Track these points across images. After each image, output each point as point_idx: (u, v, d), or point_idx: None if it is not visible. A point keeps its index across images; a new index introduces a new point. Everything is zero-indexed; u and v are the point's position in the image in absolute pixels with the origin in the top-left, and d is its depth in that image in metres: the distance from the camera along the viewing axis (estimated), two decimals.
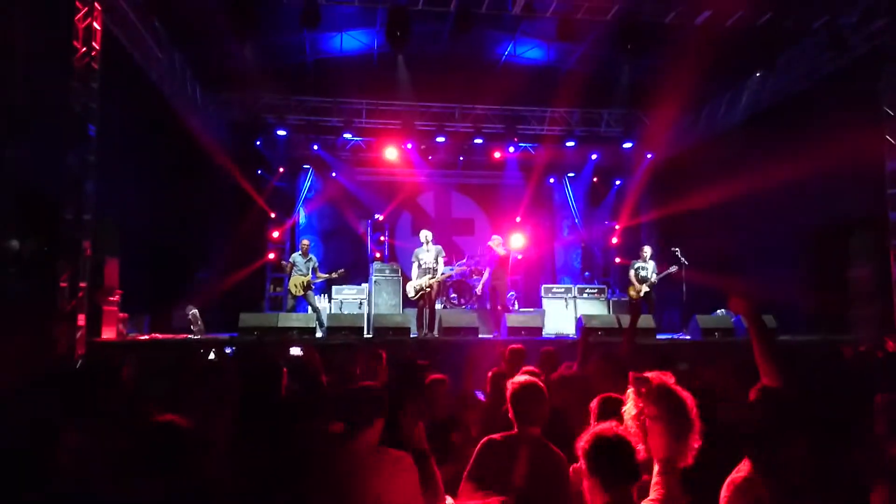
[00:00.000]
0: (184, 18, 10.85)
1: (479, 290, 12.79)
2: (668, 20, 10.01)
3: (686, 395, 2.35)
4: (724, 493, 2.39)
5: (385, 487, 2.71)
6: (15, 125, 7.69)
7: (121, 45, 9.71)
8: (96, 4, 8.56)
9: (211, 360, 5.11)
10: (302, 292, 11.64)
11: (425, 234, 11.15)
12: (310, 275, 11.63)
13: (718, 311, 11.53)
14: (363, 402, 2.93)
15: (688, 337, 10.84)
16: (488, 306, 12.23)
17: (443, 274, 11.21)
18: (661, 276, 11.74)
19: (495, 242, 11.64)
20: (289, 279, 11.85)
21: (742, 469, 2.42)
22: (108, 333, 9.05)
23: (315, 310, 11.38)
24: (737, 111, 13.13)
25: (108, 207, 9.32)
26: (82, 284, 8.29)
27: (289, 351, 5.67)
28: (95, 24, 8.58)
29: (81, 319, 8.23)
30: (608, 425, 2.28)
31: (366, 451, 2.84)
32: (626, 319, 10.56)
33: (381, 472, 2.76)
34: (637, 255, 12.33)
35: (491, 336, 10.91)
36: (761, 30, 10.04)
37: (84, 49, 8.46)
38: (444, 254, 11.30)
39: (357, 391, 3.07)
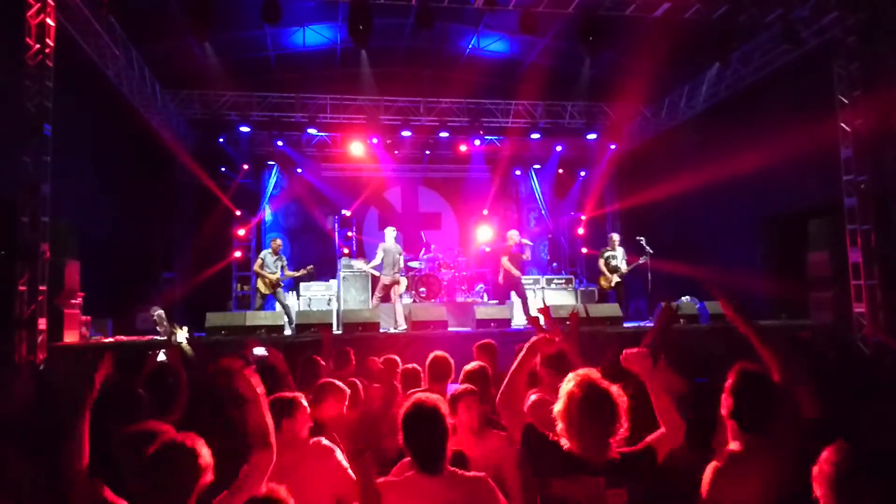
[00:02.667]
0: (140, 15, 10.64)
1: (501, 279, 12.48)
2: (628, 12, 10.12)
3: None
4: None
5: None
6: None
7: (76, 43, 9.47)
8: (49, 0, 8.34)
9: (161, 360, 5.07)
10: (271, 290, 11.53)
11: (392, 232, 11.51)
12: (278, 272, 11.52)
13: (683, 298, 11.75)
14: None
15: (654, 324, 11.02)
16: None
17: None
18: (632, 267, 11.90)
19: (512, 239, 11.69)
20: (257, 278, 11.71)
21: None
22: (70, 337, 8.88)
23: (285, 307, 11.30)
24: (696, 102, 13.37)
25: (66, 209, 9.12)
26: (42, 288, 8.10)
27: (252, 351, 5.59)
28: (49, 21, 8.35)
29: (42, 324, 8.06)
30: None
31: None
32: (594, 309, 10.78)
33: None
34: (604, 244, 12.46)
35: (464, 330, 10.95)
36: (718, 23, 10.23)
37: (37, 46, 8.23)
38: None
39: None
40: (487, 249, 15.88)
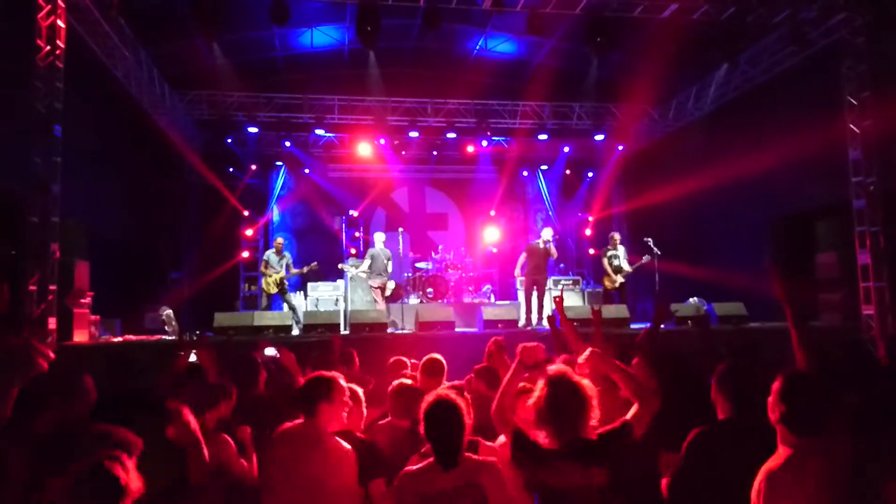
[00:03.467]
0: (149, 16, 10.71)
1: (517, 272, 12.44)
2: (635, 13, 10.11)
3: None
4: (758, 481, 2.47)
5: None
6: None
7: (85, 44, 9.55)
8: (59, 2, 8.40)
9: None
10: (276, 290, 11.58)
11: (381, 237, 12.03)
12: (283, 271, 11.57)
13: (691, 299, 11.72)
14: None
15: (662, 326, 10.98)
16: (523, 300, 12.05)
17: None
18: (635, 266, 11.87)
19: (546, 235, 11.55)
20: (263, 278, 11.78)
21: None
22: (79, 337, 8.93)
23: (292, 308, 11.34)
24: (704, 103, 13.33)
25: (75, 209, 9.18)
26: (52, 287, 8.17)
27: (262, 351, 5.62)
28: (59, 22, 8.42)
29: (52, 323, 8.12)
30: None
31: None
32: (602, 310, 10.74)
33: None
34: (606, 244, 12.40)
35: (471, 331, 10.95)
36: (726, 24, 10.21)
37: (48, 48, 8.30)
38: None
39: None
40: (494, 250, 15.89)
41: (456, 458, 2.73)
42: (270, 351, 5.66)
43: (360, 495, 3.13)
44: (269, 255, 11.77)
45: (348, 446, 3.09)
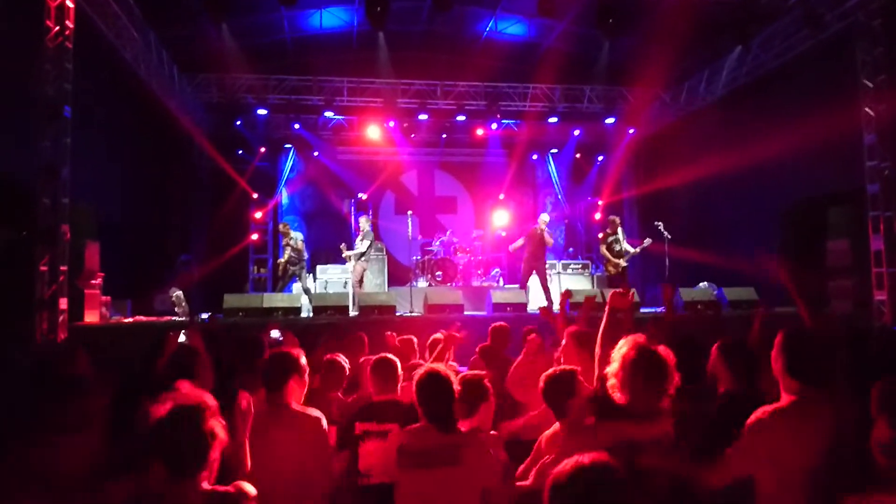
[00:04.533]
0: None
1: (513, 247, 12.44)
2: None
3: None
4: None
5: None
6: None
7: (94, 25, 9.51)
8: None
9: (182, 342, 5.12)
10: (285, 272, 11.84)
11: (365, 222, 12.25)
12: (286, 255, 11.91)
13: (701, 284, 11.67)
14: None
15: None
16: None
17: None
18: (638, 249, 11.79)
19: (543, 222, 11.67)
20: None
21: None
22: (90, 317, 9.01)
23: (306, 291, 11.49)
24: (716, 87, 13.18)
25: (85, 190, 9.21)
26: (63, 269, 8.22)
27: (269, 333, 5.64)
28: (68, 2, 8.38)
29: (63, 304, 8.18)
30: None
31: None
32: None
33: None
34: (605, 228, 12.27)
35: (479, 314, 10.96)
36: (738, 7, 10.07)
37: (57, 28, 8.28)
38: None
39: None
40: (503, 234, 15.85)
41: (446, 424, 2.94)
42: (275, 333, 5.67)
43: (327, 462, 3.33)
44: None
45: (317, 414, 3.31)
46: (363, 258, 12.10)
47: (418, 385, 2.99)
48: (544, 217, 11.91)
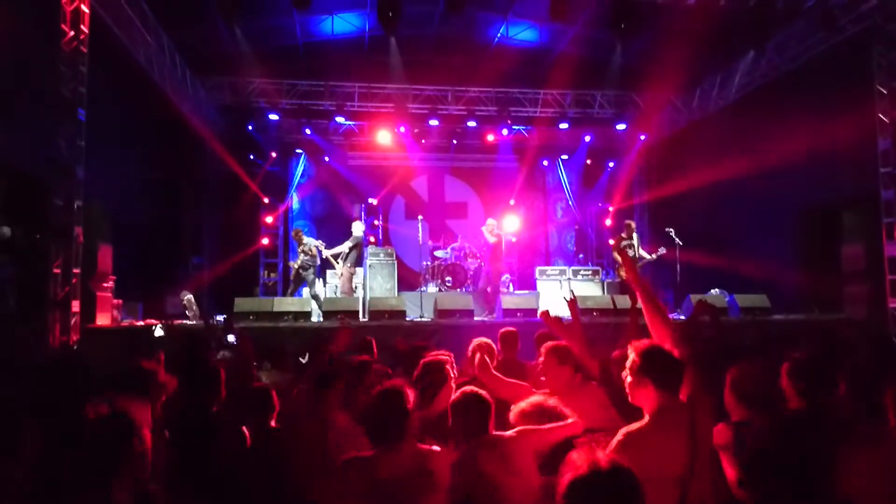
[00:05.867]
0: (171, 1, 10.74)
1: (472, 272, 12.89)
2: (660, 0, 9.96)
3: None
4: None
5: None
6: (3, 111, 7.62)
7: (109, 28, 9.59)
8: None
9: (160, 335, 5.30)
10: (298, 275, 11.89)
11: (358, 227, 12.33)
12: (298, 261, 11.92)
13: (713, 290, 11.59)
14: None
15: (682, 317, 10.89)
16: (478, 288, 12.38)
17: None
18: (653, 257, 11.73)
19: (487, 227, 11.85)
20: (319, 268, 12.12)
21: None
22: (102, 320, 9.04)
23: (314, 296, 11.48)
24: (729, 92, 13.11)
25: (98, 193, 9.27)
26: (75, 270, 8.26)
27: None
28: (83, 7, 8.47)
29: (75, 306, 8.22)
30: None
31: None
32: (622, 301, 10.65)
33: None
34: (620, 233, 12.22)
35: (485, 319, 10.93)
36: (753, 10, 10.01)
37: (72, 32, 8.36)
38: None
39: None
40: (513, 240, 15.82)
41: (399, 444, 2.76)
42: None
43: None
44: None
45: None
46: (347, 262, 12.04)
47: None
48: (490, 222, 12.29)
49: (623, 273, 11.86)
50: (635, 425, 2.66)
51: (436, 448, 2.88)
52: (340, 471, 2.74)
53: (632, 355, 2.82)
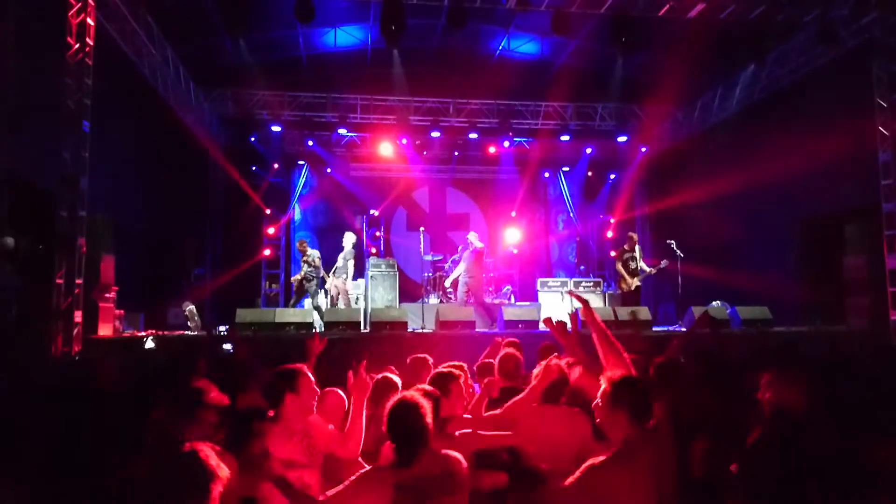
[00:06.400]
0: (176, 13, 10.84)
1: (448, 282, 12.85)
2: (661, 13, 10.03)
3: None
4: None
5: None
6: (8, 122, 7.67)
7: (114, 41, 9.68)
8: (89, 0, 8.53)
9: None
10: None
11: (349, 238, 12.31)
12: (301, 273, 11.92)
13: (714, 302, 11.58)
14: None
15: (683, 329, 10.88)
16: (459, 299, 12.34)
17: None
18: (654, 270, 11.73)
19: (472, 237, 12.05)
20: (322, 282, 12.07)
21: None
22: (104, 330, 9.04)
23: (317, 309, 11.48)
24: (730, 104, 13.17)
25: (101, 204, 9.30)
26: (78, 281, 8.28)
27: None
28: (89, 20, 8.55)
29: (78, 316, 8.24)
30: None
31: None
32: (623, 312, 10.65)
33: None
34: (622, 245, 12.22)
35: (491, 331, 10.93)
36: (754, 23, 10.08)
37: (77, 45, 8.44)
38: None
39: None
40: (515, 251, 15.85)
41: (417, 452, 2.78)
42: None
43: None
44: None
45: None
46: (343, 275, 12.11)
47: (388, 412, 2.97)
48: (472, 235, 12.42)
49: (624, 286, 11.84)
50: (600, 458, 2.69)
51: (452, 453, 2.91)
52: (362, 482, 2.74)
53: (604, 384, 2.88)
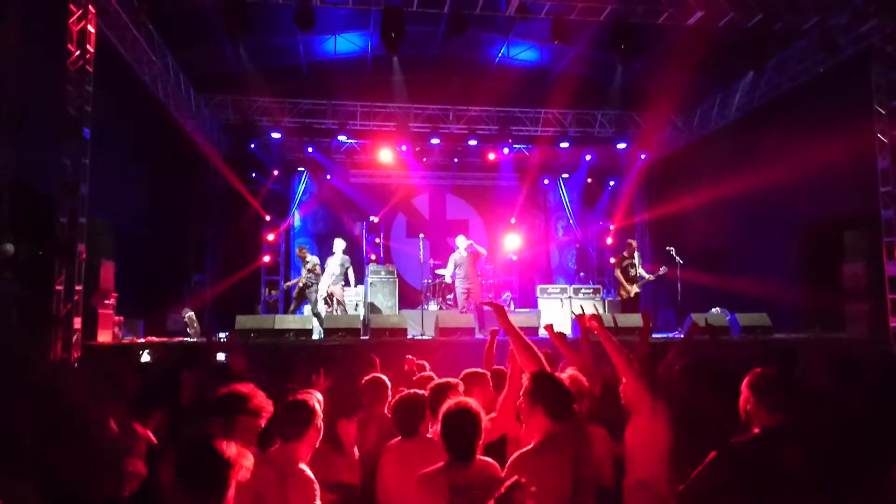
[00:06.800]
0: (177, 20, 10.86)
1: (447, 276, 12.67)
2: (660, 21, 10.06)
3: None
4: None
5: None
6: (9, 128, 7.68)
7: (114, 48, 9.70)
8: (90, 7, 8.56)
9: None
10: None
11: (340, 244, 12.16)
12: (302, 280, 11.85)
13: (714, 309, 11.57)
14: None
15: (682, 335, 10.85)
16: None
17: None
18: (654, 276, 11.73)
19: (460, 241, 11.97)
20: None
21: None
22: (103, 337, 9.02)
23: (316, 315, 11.45)
24: (729, 112, 13.21)
25: (101, 210, 9.31)
26: (78, 288, 8.27)
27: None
28: (89, 27, 8.57)
29: (77, 323, 8.22)
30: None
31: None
32: (623, 319, 10.64)
33: None
34: (622, 251, 12.21)
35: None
36: (753, 31, 10.11)
37: (78, 52, 8.45)
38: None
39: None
40: (515, 258, 15.85)
41: (472, 456, 2.85)
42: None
43: None
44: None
45: None
46: (339, 282, 11.99)
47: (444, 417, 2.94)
48: (461, 240, 12.22)
49: (623, 293, 11.83)
50: (525, 448, 2.86)
51: (488, 459, 2.98)
52: (421, 483, 2.82)
53: (525, 381, 2.99)
